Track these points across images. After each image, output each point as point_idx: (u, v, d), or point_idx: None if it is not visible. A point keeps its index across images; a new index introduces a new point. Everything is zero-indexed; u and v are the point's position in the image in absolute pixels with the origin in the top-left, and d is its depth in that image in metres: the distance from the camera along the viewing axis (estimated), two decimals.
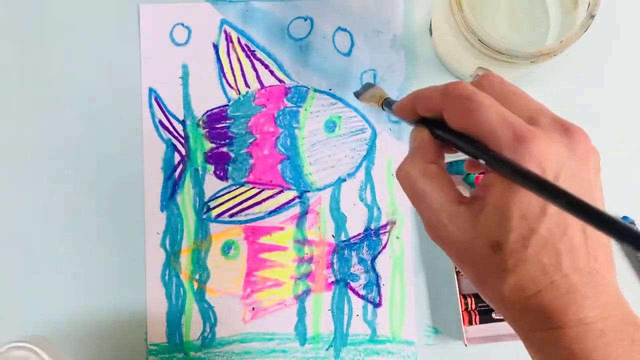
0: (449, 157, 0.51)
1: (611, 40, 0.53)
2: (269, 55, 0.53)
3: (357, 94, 0.48)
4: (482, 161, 0.27)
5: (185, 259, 0.52)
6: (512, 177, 0.26)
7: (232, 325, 0.52)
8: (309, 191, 0.52)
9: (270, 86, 0.53)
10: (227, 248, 0.52)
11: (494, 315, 0.51)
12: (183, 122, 0.53)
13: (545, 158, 0.25)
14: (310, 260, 0.52)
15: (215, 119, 0.53)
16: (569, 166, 0.26)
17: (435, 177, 0.29)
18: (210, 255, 0.52)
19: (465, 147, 0.28)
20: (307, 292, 0.52)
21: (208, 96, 0.53)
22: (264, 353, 0.51)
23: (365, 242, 0.52)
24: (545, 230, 0.26)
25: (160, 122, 0.53)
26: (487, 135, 0.27)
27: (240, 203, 0.52)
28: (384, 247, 0.52)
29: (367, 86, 0.48)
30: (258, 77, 0.53)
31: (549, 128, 0.27)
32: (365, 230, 0.52)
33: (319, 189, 0.52)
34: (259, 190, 0.52)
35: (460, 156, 0.51)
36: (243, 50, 0.53)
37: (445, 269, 0.51)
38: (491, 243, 0.27)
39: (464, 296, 0.51)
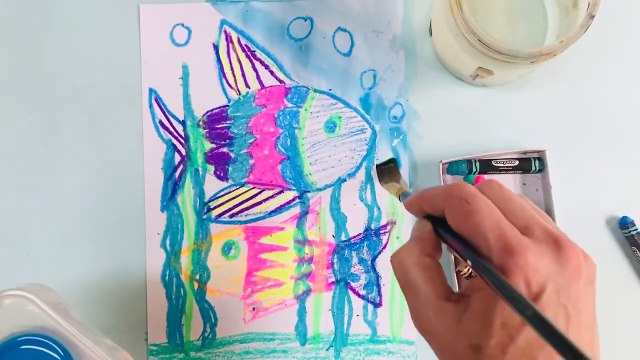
0: (450, 158, 0.51)
1: (611, 40, 0.53)
2: (269, 55, 0.53)
3: (379, 175, 0.50)
4: (469, 262, 0.28)
5: (185, 259, 0.52)
6: (488, 283, 0.26)
7: (232, 325, 0.52)
8: (309, 191, 0.52)
9: (271, 86, 0.53)
10: (227, 248, 0.52)
11: None
12: (183, 123, 0.53)
13: (531, 271, 0.26)
14: (310, 260, 0.52)
15: (215, 119, 0.53)
16: (557, 281, 0.27)
17: (428, 270, 0.30)
18: (211, 256, 0.52)
19: (457, 248, 0.29)
20: (307, 292, 0.52)
21: (208, 96, 0.53)
22: (265, 353, 0.51)
23: (366, 242, 0.52)
24: (524, 341, 0.26)
25: (161, 122, 0.53)
26: (479, 240, 0.28)
27: (241, 203, 0.52)
28: (384, 247, 0.52)
29: (390, 169, 0.50)
30: (258, 77, 0.53)
31: (540, 240, 0.28)
32: (366, 230, 0.52)
33: (319, 189, 0.52)
34: (259, 190, 0.52)
35: (461, 157, 0.51)
36: (243, 50, 0.53)
37: (445, 269, 0.51)
38: (471, 345, 0.27)
39: None
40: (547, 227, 0.28)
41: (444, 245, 0.31)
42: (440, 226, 0.30)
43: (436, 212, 0.31)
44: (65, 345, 0.39)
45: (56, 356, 0.38)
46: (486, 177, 0.51)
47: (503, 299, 0.25)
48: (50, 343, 0.39)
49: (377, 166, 0.51)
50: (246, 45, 0.53)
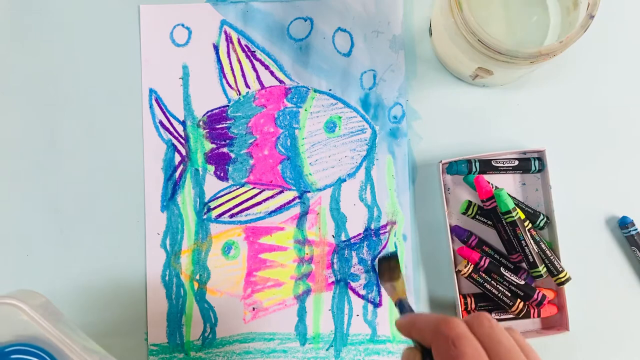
0: (450, 158, 0.51)
1: (611, 40, 0.53)
2: (269, 55, 0.53)
3: (379, 270, 0.50)
4: None
5: (185, 259, 0.52)
6: None
7: (232, 325, 0.52)
8: (309, 191, 0.52)
9: (271, 87, 0.53)
10: (227, 248, 0.52)
11: (493, 316, 0.51)
12: (183, 123, 0.53)
13: None
14: (310, 260, 0.52)
15: (215, 120, 0.53)
16: None
17: None
18: (211, 256, 0.52)
19: None
20: (307, 292, 0.52)
21: (208, 97, 0.53)
22: (265, 353, 0.51)
23: (366, 242, 0.52)
24: None
25: (161, 122, 0.53)
26: None
27: (241, 203, 0.52)
28: (384, 247, 0.52)
29: (390, 266, 0.49)
30: (258, 77, 0.53)
31: None
32: (365, 230, 0.52)
33: (319, 189, 0.52)
34: (259, 190, 0.52)
35: (461, 157, 0.51)
36: (243, 50, 0.53)
37: (445, 269, 0.52)
38: None
39: (464, 296, 0.51)
40: None
41: None
42: (429, 357, 0.30)
43: (424, 344, 0.31)
44: (55, 355, 0.38)
45: None
46: (486, 177, 0.51)
47: None
48: (40, 353, 0.38)
49: (379, 260, 0.50)
50: (246, 46, 0.53)
